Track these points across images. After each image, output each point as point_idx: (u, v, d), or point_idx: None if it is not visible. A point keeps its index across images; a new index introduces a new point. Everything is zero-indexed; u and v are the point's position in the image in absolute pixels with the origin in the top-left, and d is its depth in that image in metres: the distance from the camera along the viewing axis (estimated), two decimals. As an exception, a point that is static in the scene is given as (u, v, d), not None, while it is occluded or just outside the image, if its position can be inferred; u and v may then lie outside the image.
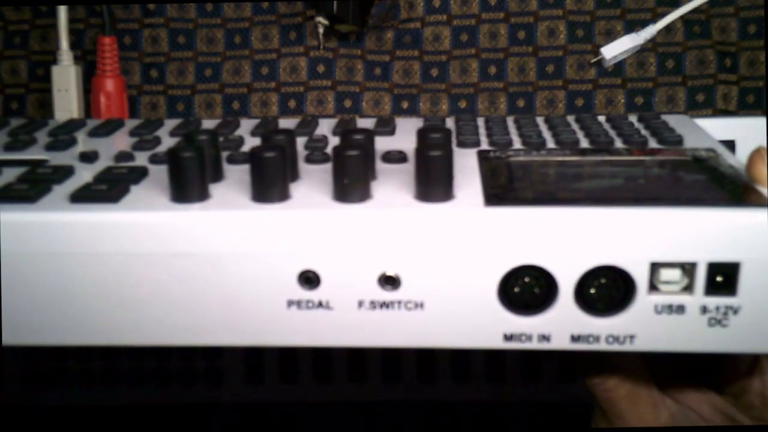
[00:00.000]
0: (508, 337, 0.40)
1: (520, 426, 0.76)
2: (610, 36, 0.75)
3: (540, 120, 0.54)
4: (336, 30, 0.77)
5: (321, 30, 0.76)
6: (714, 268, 0.39)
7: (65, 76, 0.75)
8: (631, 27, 0.75)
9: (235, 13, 0.78)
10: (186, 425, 0.76)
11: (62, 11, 0.75)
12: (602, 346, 0.40)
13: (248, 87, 0.77)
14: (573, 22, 0.76)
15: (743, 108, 0.75)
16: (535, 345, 0.41)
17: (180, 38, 0.78)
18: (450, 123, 0.54)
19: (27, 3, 0.78)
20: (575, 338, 0.40)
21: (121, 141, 0.52)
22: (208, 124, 0.55)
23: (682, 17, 0.72)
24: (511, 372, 0.74)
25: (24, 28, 0.79)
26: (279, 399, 0.75)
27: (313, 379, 0.74)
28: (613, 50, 0.73)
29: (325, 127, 0.54)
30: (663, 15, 0.73)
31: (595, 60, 0.75)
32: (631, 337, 0.40)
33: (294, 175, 0.43)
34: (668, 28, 0.74)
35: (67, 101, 0.75)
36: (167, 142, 0.51)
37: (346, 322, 0.41)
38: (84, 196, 0.41)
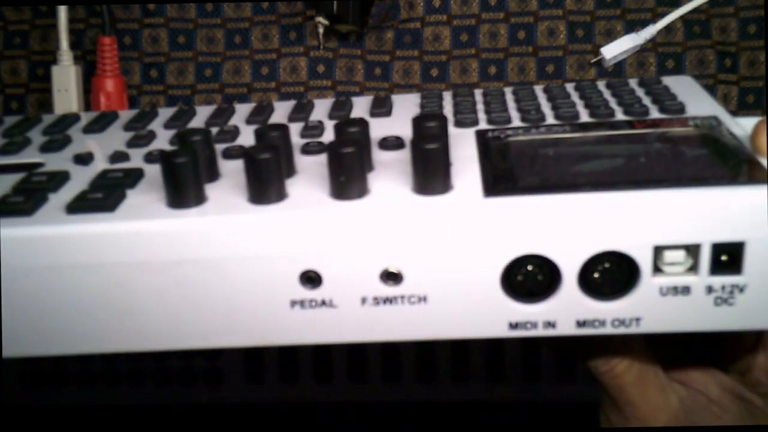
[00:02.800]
0: (514, 326, 0.40)
1: (520, 426, 0.76)
2: (610, 36, 0.75)
3: (539, 90, 0.53)
4: (336, 30, 0.77)
5: (321, 30, 0.76)
6: (718, 248, 0.38)
7: (65, 76, 0.75)
8: (631, 27, 0.75)
9: (235, 13, 0.78)
10: (186, 425, 0.76)
11: (62, 11, 0.75)
12: (608, 330, 0.40)
13: (248, 87, 0.77)
14: (573, 22, 0.76)
15: (743, 108, 0.75)
16: (540, 332, 0.40)
17: (180, 38, 0.78)
18: (447, 98, 0.53)
19: (27, 3, 0.78)
20: (581, 323, 0.40)
21: (116, 137, 0.52)
22: (203, 111, 0.55)
23: (682, 17, 0.72)
24: (511, 372, 0.74)
25: (24, 28, 0.79)
26: (279, 399, 0.75)
27: (313, 379, 0.74)
28: (613, 50, 0.73)
29: (321, 110, 0.54)
30: (663, 15, 0.73)
31: (595, 60, 0.75)
32: (637, 319, 0.40)
33: (290, 171, 0.43)
34: (668, 28, 0.74)
35: (67, 101, 0.75)
36: (162, 136, 0.50)
37: (350, 319, 0.40)
38: (80, 206, 0.41)
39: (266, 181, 0.39)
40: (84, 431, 0.75)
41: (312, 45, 0.77)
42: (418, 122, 0.43)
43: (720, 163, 0.41)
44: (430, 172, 0.39)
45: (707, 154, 0.42)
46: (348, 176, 0.39)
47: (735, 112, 0.74)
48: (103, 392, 0.75)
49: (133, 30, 0.78)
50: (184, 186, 0.40)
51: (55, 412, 0.75)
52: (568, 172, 0.42)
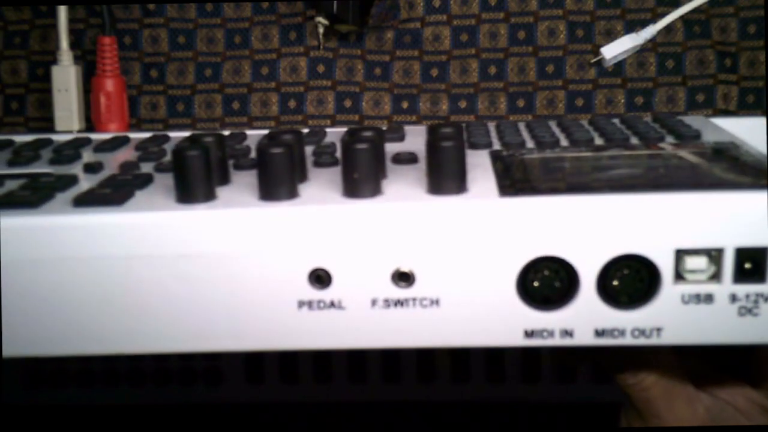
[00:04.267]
0: (529, 334, 0.39)
1: (520, 426, 0.76)
2: (610, 36, 0.75)
3: (552, 123, 0.53)
4: (336, 30, 0.76)
5: (321, 30, 0.76)
6: (742, 254, 0.38)
7: (65, 76, 0.75)
8: (631, 27, 0.75)
9: (235, 13, 0.78)
10: (186, 425, 0.76)
11: (62, 11, 0.74)
12: (628, 340, 0.39)
13: (248, 87, 0.77)
14: (573, 22, 0.76)
15: (743, 108, 0.75)
16: (557, 341, 0.40)
17: (180, 38, 0.78)
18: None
19: (27, 3, 0.78)
20: (599, 333, 0.39)
21: (126, 154, 0.52)
22: None
23: (682, 17, 0.72)
24: (511, 372, 0.74)
25: (24, 28, 0.79)
26: (279, 399, 0.75)
27: (313, 379, 0.74)
28: (613, 50, 0.73)
29: (333, 136, 0.54)
30: (663, 15, 0.73)
31: (595, 60, 0.75)
32: (658, 329, 0.39)
33: (302, 177, 0.43)
34: (668, 28, 0.74)
35: (67, 101, 0.74)
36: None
37: (360, 323, 0.40)
38: (87, 199, 0.40)
39: (278, 177, 0.39)
40: (84, 431, 0.75)
41: (312, 45, 0.77)
42: (433, 128, 0.42)
43: (741, 171, 0.41)
44: (445, 172, 0.39)
45: (727, 165, 0.42)
46: (361, 173, 0.39)
47: (735, 112, 0.74)
48: (103, 392, 0.75)
49: (133, 30, 0.78)
50: (194, 180, 0.39)
51: (55, 412, 0.75)
52: (586, 176, 0.42)
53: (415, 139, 0.51)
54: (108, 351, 0.41)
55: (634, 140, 0.48)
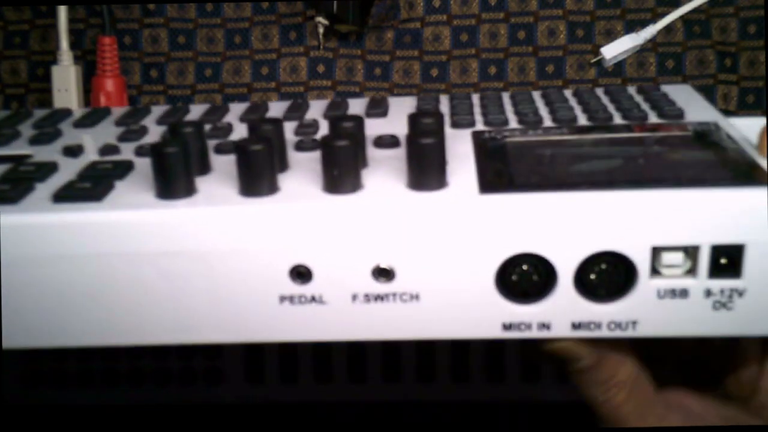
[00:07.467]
0: (507, 327, 0.40)
1: (520, 426, 0.76)
2: (610, 36, 0.75)
3: (537, 95, 0.53)
4: (336, 30, 0.76)
5: (321, 30, 0.76)
6: (718, 251, 0.38)
7: (65, 76, 0.75)
8: (631, 27, 0.75)
9: (235, 13, 0.78)
10: (186, 425, 0.76)
11: (62, 11, 0.75)
12: (604, 332, 0.40)
13: (248, 87, 0.77)
14: (573, 22, 0.76)
15: (743, 108, 0.74)
16: (534, 333, 0.40)
17: (180, 38, 0.78)
18: (444, 101, 0.53)
19: (27, 3, 0.78)
20: (576, 326, 0.40)
21: (107, 132, 0.52)
22: (197, 110, 0.55)
23: (682, 17, 0.72)
24: (511, 372, 0.73)
25: (24, 28, 0.79)
26: (279, 399, 0.75)
27: (313, 379, 0.74)
28: (613, 50, 0.73)
29: (316, 110, 0.54)
30: (663, 15, 0.72)
31: (595, 60, 0.75)
32: (634, 323, 0.40)
33: (283, 165, 0.43)
34: (668, 28, 0.74)
35: (67, 101, 0.75)
36: (154, 131, 0.50)
37: (341, 317, 0.40)
38: (67, 195, 0.40)
39: (258, 174, 0.39)
40: (84, 431, 0.75)
41: (312, 45, 0.77)
42: (414, 118, 0.42)
43: (720, 165, 0.41)
44: (425, 168, 0.39)
45: (707, 156, 0.42)
46: (341, 170, 0.39)
47: (735, 112, 0.74)
48: (103, 392, 0.75)
49: (133, 30, 0.78)
50: (174, 176, 0.40)
51: (55, 412, 0.75)
52: (566, 170, 0.42)
53: (399, 115, 0.51)
54: (93, 344, 0.42)
55: (618, 117, 0.48)
